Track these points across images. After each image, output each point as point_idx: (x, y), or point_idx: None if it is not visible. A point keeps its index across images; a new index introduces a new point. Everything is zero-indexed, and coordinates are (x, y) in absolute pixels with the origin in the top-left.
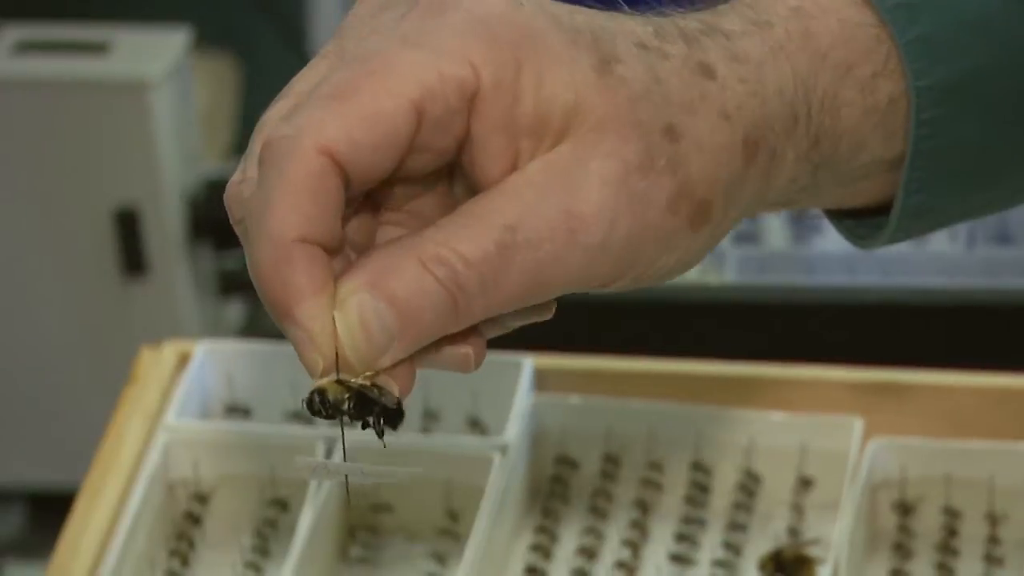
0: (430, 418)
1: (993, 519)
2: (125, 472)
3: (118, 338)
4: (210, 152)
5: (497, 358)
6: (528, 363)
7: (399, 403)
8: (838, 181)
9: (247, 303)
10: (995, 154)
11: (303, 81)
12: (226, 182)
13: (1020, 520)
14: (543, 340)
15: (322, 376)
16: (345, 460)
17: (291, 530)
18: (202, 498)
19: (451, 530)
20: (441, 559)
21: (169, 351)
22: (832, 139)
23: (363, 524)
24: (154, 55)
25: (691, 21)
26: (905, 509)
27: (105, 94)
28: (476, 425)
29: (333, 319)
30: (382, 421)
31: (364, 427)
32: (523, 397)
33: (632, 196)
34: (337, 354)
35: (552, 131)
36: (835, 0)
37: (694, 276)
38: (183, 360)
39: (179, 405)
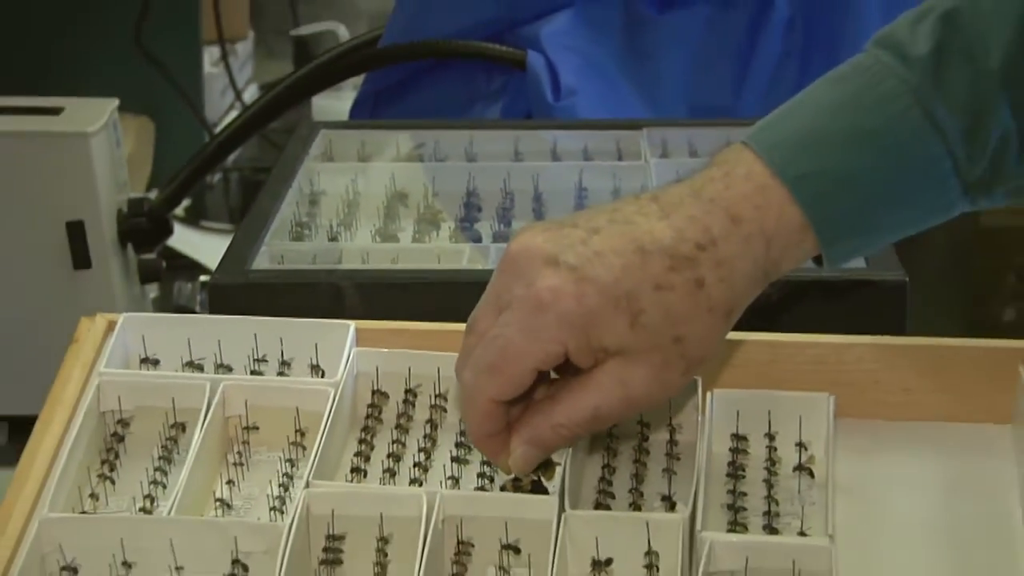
0: (285, 365)
1: (670, 428)
2: (70, 404)
3: (71, 313)
4: (133, 183)
5: (331, 323)
6: (352, 326)
7: (543, 483)
8: None
9: (159, 288)
10: (880, 233)
11: (480, 322)
12: (144, 203)
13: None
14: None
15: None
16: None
17: (187, 445)
18: (124, 423)
19: (300, 443)
20: (293, 463)
21: (100, 320)
22: (776, 275)
23: (238, 439)
24: (94, 116)
25: (695, 232)
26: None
27: (61, 141)
28: (317, 369)
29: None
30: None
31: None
32: (349, 349)
33: (660, 380)
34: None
35: (611, 354)
36: (769, 198)
37: None
38: (111, 327)
39: (107, 358)
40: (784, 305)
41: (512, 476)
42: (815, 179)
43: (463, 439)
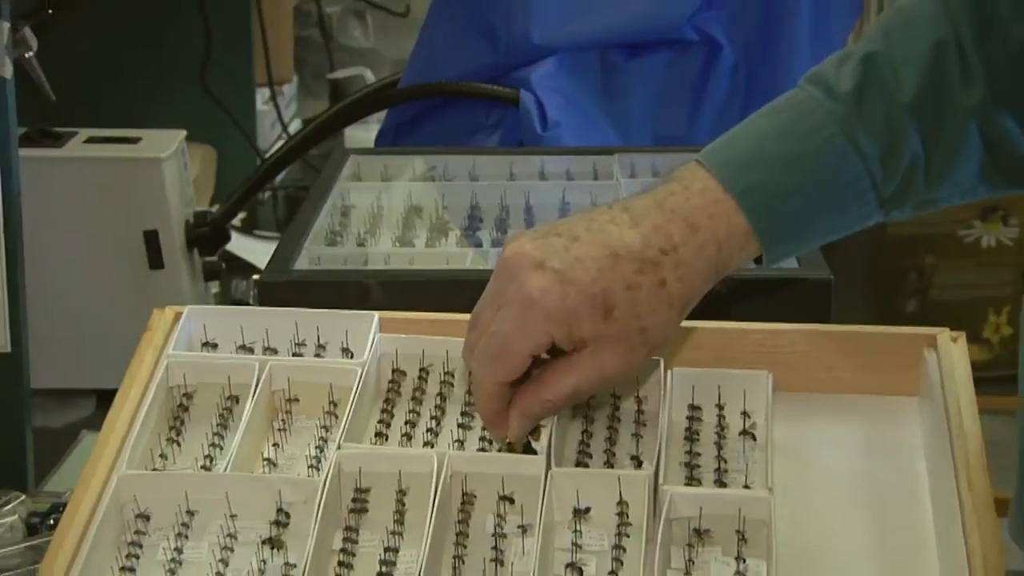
0: (321, 348)
1: (638, 400)
2: (144, 380)
3: (146, 306)
4: (199, 199)
5: (358, 313)
6: (376, 316)
7: (532, 446)
8: None
9: (219, 285)
10: (810, 238)
11: (482, 317)
12: (207, 216)
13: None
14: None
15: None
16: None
17: (240, 414)
18: (188, 396)
19: (333, 412)
20: (327, 429)
21: (169, 312)
22: (725, 272)
23: (281, 409)
24: (166, 144)
25: (659, 239)
26: (590, 396)
27: (139, 165)
28: (347, 351)
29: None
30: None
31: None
32: (374, 335)
33: (628, 362)
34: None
35: (589, 341)
36: (721, 208)
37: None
38: (178, 317)
39: (175, 342)
40: (732, 299)
41: (507, 441)
42: (758, 192)
43: (467, 409)
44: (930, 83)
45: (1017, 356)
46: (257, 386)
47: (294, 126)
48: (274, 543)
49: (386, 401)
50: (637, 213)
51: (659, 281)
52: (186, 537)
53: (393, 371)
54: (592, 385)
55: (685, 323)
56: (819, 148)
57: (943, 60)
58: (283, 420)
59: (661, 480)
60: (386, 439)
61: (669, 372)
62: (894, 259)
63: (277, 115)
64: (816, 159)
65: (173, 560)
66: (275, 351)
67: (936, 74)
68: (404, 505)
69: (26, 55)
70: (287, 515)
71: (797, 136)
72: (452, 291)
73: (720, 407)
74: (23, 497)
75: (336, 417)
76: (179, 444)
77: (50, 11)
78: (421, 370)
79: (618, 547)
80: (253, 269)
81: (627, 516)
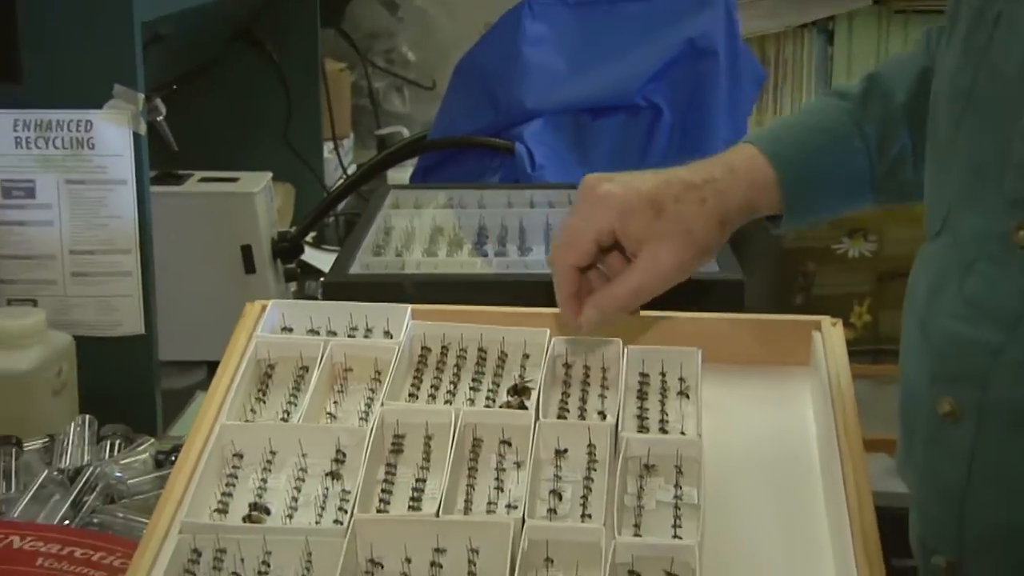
0: (368, 331)
1: (603, 370)
2: (238, 355)
3: (242, 300)
4: (281, 222)
5: (397, 306)
6: (409, 308)
7: (525, 404)
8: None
9: (296, 285)
10: (817, 201)
11: (563, 223)
12: (287, 235)
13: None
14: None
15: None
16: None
17: (309, 380)
18: (271, 366)
19: (378, 379)
20: (374, 391)
21: (258, 305)
22: (754, 211)
23: (340, 376)
24: (257, 183)
25: (704, 174)
26: (568, 366)
27: (237, 198)
28: (388, 334)
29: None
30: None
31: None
32: (407, 322)
33: (680, 260)
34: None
35: (641, 241)
36: (756, 162)
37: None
38: (264, 308)
39: (262, 326)
40: (672, 297)
41: (506, 400)
42: (785, 159)
43: (476, 376)
44: (916, 93)
45: (876, 337)
46: (322, 360)
47: (351, 169)
48: (334, 475)
49: (416, 371)
50: (689, 163)
51: (700, 199)
52: (269, 471)
53: (422, 349)
54: (652, 282)
55: (635, 315)
56: (833, 130)
57: (926, 79)
58: (341, 385)
59: (620, 429)
60: (416, 398)
61: (626, 349)
62: (786, 266)
63: (339, 161)
64: (830, 136)
65: (260, 488)
66: (335, 333)
67: (921, 87)
68: (430, 447)
69: (157, 119)
70: (344, 455)
71: (817, 121)
72: (466, 290)
73: (663, 375)
74: (152, 440)
75: (380, 383)
76: (264, 402)
77: (175, 87)
78: (443, 348)
79: (588, 478)
80: (320, 273)
81: (595, 456)
